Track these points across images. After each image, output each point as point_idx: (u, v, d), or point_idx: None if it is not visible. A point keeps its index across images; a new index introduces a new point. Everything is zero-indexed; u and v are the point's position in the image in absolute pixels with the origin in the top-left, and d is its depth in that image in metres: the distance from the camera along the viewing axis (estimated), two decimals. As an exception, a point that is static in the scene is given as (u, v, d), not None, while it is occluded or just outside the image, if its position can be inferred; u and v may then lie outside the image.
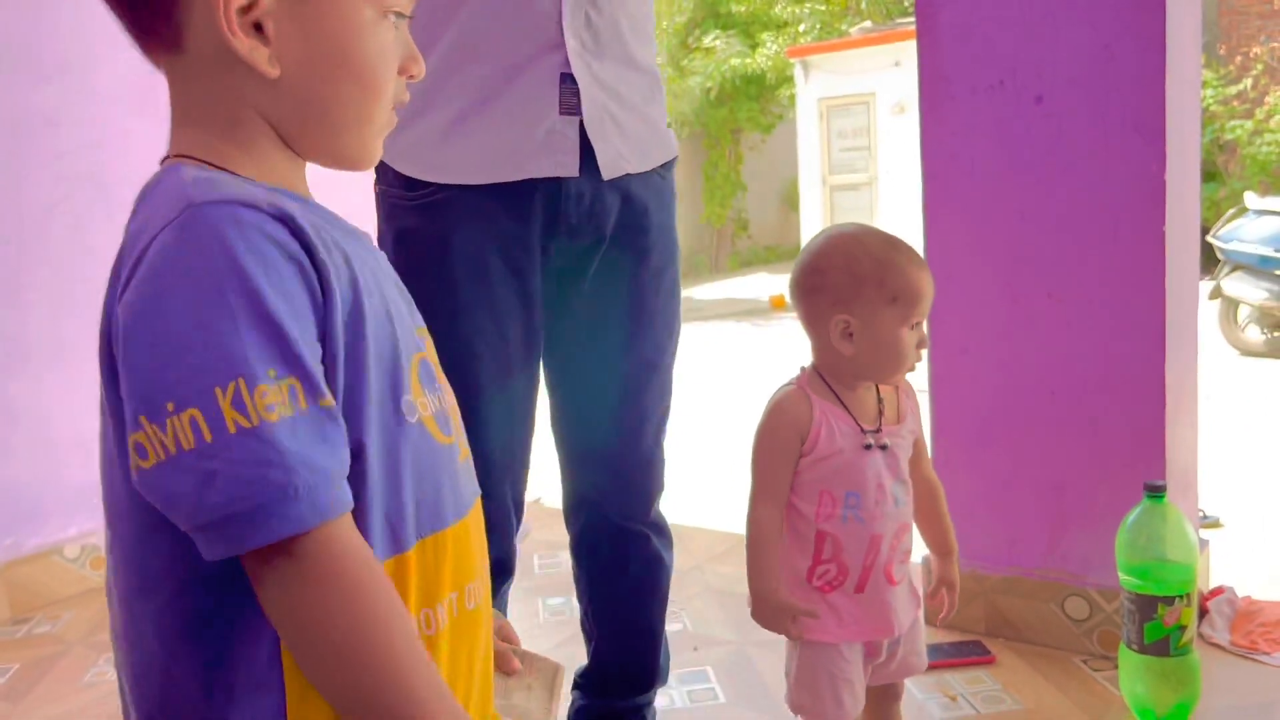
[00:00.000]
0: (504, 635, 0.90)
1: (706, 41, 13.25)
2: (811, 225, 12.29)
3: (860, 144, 11.72)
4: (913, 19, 11.04)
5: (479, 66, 1.27)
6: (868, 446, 1.28)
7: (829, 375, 1.31)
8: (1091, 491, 1.94)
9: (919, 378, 1.36)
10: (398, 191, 1.33)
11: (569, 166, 1.30)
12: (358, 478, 0.65)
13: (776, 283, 12.19)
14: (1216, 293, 5.71)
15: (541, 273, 1.36)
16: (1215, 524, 2.71)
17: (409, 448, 0.69)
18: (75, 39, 2.59)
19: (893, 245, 1.29)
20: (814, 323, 1.30)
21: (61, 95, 2.58)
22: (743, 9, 13.33)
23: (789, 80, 12.72)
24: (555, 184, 1.31)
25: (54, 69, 2.57)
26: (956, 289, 2.02)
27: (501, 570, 1.40)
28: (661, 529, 1.57)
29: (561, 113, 1.28)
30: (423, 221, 1.31)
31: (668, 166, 1.45)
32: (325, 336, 0.64)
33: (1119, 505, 1.75)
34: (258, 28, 0.66)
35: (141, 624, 0.66)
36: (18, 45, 2.53)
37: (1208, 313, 5.13)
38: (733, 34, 13.25)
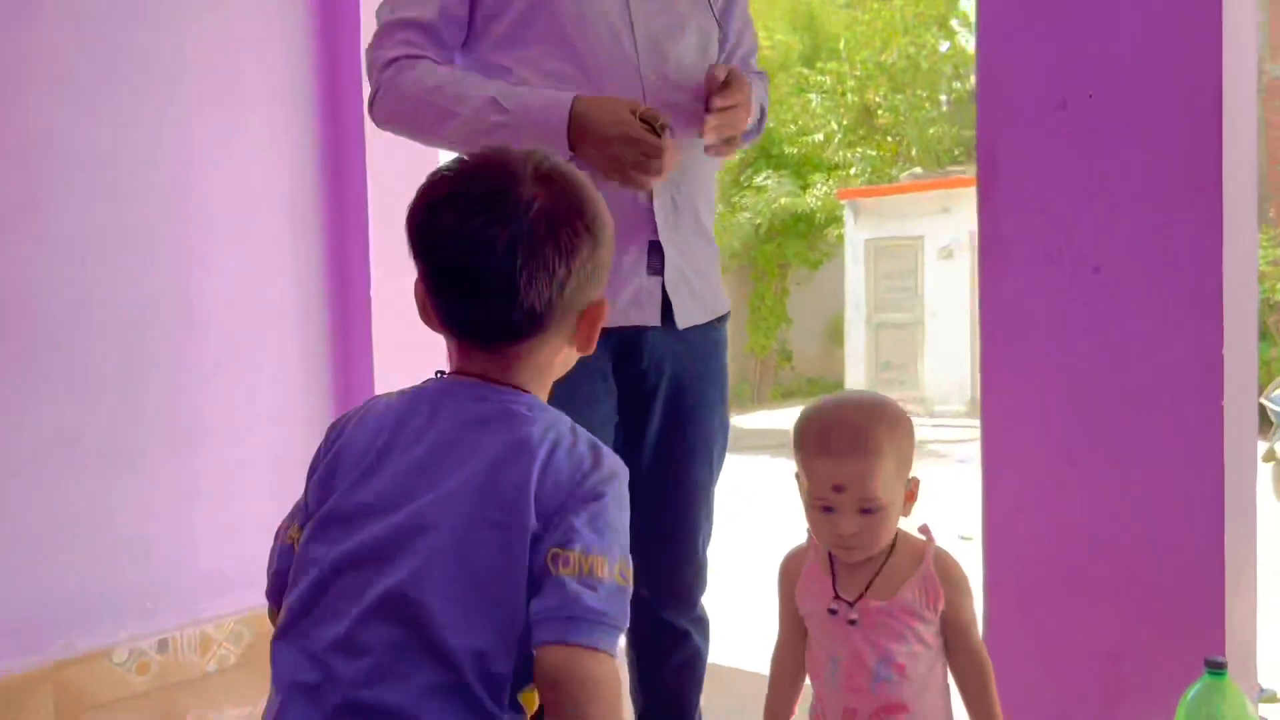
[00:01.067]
0: None
1: (758, 180, 13.64)
2: (856, 360, 12.36)
3: (907, 285, 11.87)
4: (962, 167, 11.28)
5: None
6: (831, 611, 1.29)
7: None
8: (1148, 662, 1.91)
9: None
10: None
11: (653, 318, 1.56)
12: None
13: (818, 417, 12.21)
14: (1270, 455, 5.64)
15: (617, 401, 1.60)
16: (1273, 698, 2.63)
17: None
18: (180, 160, 2.76)
19: (830, 420, 1.29)
20: None
21: (159, 213, 2.74)
22: (795, 151, 13.76)
23: (838, 220, 13.01)
24: (638, 330, 1.56)
25: (156, 188, 2.74)
26: (1012, 447, 2.05)
27: None
28: (702, 623, 1.80)
29: (648, 274, 1.55)
30: None
31: (723, 319, 1.73)
32: None
33: (1177, 678, 1.73)
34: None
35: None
36: (125, 164, 2.71)
37: (1261, 475, 5.06)
38: (784, 174, 13.64)
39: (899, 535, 1.34)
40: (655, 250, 1.55)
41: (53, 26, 2.67)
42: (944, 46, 14.73)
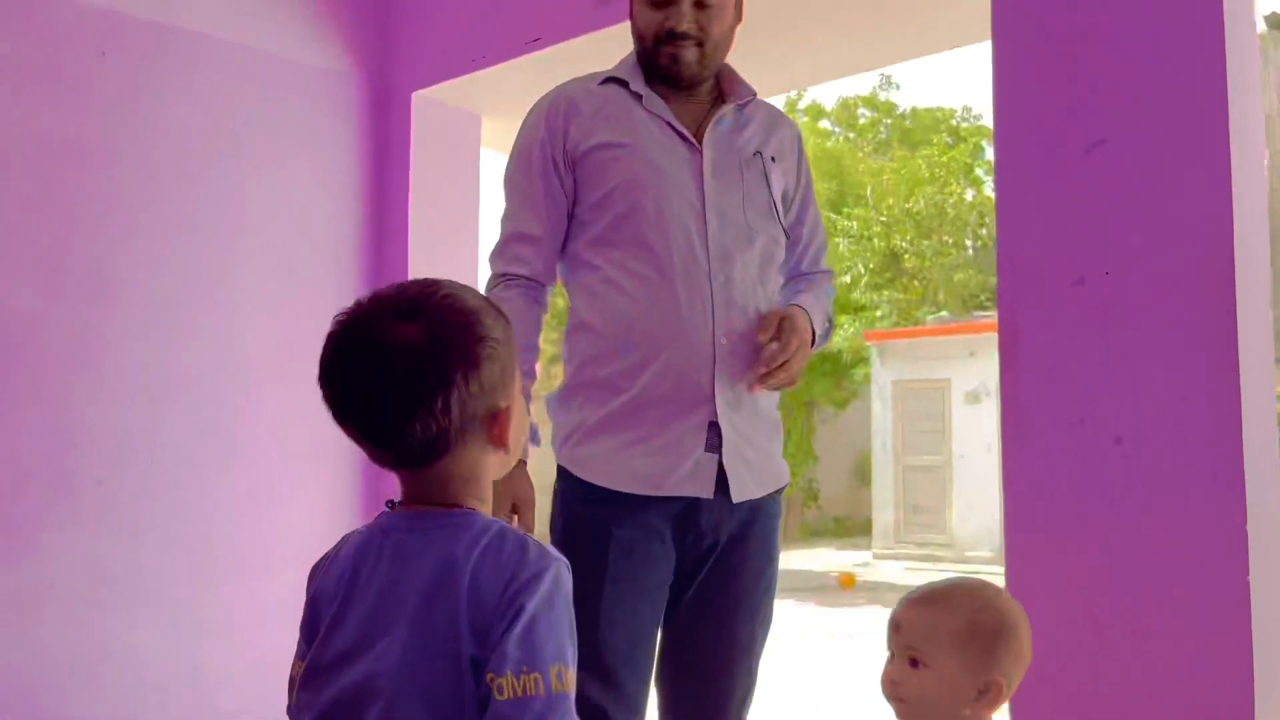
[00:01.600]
0: None
1: (786, 319, 13.82)
2: (884, 503, 12.23)
3: (934, 427, 11.85)
4: (989, 313, 11.39)
5: (651, 411, 1.68)
6: None
7: None
8: (1183, 845, 1.85)
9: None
10: (573, 489, 1.72)
11: (707, 491, 1.68)
12: None
13: (845, 558, 12.01)
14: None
15: (674, 560, 1.71)
16: None
17: None
18: (230, 306, 2.89)
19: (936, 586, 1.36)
20: None
21: (207, 355, 2.86)
22: (822, 291, 13.98)
23: (864, 361, 13.10)
24: (694, 500, 1.69)
25: (204, 332, 2.86)
26: (1037, 616, 2.02)
27: None
28: None
29: (706, 450, 1.68)
30: (592, 511, 1.69)
31: (779, 491, 1.81)
32: None
33: None
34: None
35: None
36: (178, 309, 2.84)
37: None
38: (812, 314, 13.82)
39: None
40: (714, 429, 1.68)
41: (126, 181, 2.85)
42: (970, 195, 15.10)
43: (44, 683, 2.60)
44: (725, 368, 1.68)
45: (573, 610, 1.03)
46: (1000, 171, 2.20)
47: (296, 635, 1.13)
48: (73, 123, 2.77)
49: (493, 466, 1.11)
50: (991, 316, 12.11)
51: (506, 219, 1.81)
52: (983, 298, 13.91)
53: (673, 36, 1.70)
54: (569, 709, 0.97)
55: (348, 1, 3.39)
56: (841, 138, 17.58)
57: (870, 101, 18.24)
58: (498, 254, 1.81)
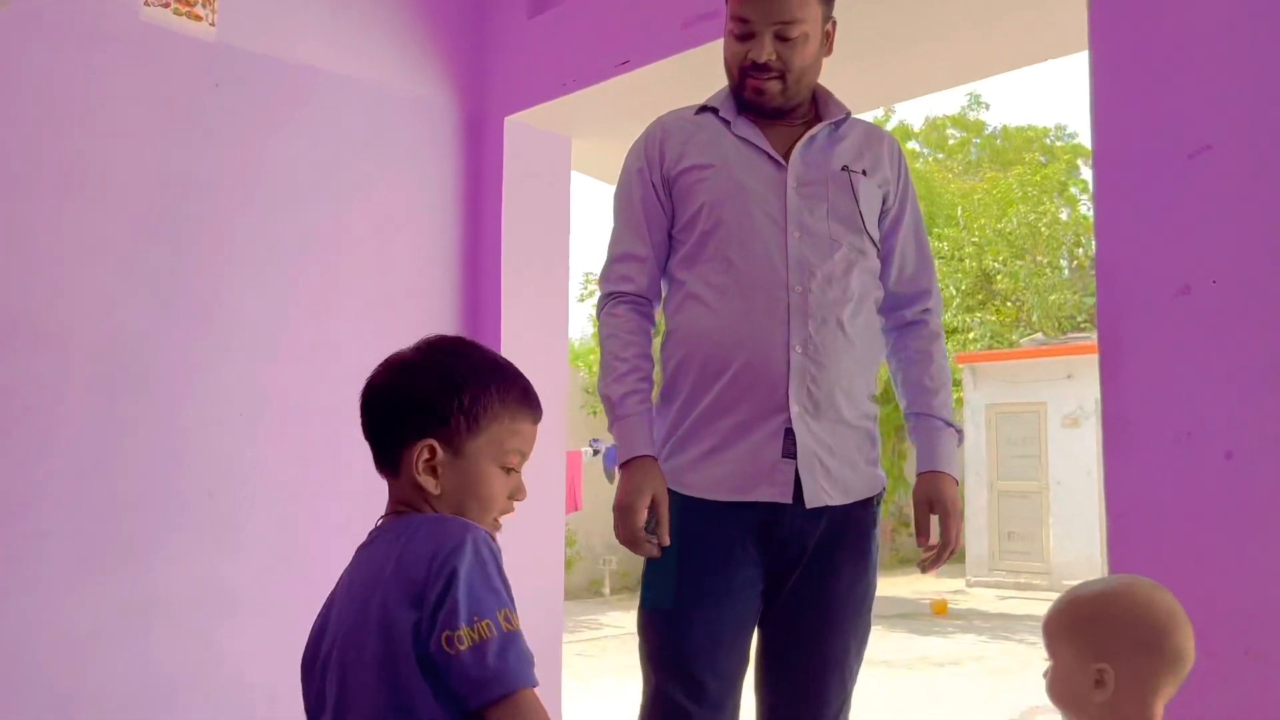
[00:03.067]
0: None
1: (875, 342, 13.64)
2: (978, 529, 11.94)
3: (1030, 452, 11.54)
4: (1086, 334, 11.03)
5: (727, 419, 1.74)
6: None
7: None
8: None
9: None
10: (669, 498, 1.78)
11: (784, 496, 1.72)
12: None
13: (937, 585, 11.74)
14: None
15: (761, 566, 1.75)
16: None
17: None
18: (328, 324, 2.99)
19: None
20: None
21: (303, 376, 2.96)
22: (912, 313, 13.76)
23: (956, 384, 12.84)
24: (774, 506, 1.73)
25: (303, 353, 2.96)
26: (1145, 636, 1.97)
27: None
28: None
29: (782, 457, 1.72)
30: (677, 518, 1.74)
31: (869, 500, 1.83)
32: None
33: None
34: (433, 471, 1.22)
35: None
36: (281, 331, 2.94)
37: None
38: (901, 336, 13.61)
39: None
40: (790, 435, 1.72)
41: (234, 209, 2.98)
42: (1064, 214, 14.73)
43: (155, 691, 2.70)
44: (800, 376, 1.72)
45: (498, 561, 1.14)
46: (1099, 180, 2.16)
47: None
48: (186, 153, 2.91)
49: (430, 500, 1.24)
50: (1089, 338, 11.76)
51: (613, 243, 1.90)
52: (1079, 319, 13.53)
53: (756, 68, 1.77)
54: (522, 643, 1.11)
55: (443, 31, 3.50)
56: (930, 158, 17.36)
57: (959, 121, 17.99)
58: (605, 275, 1.90)
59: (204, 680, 2.72)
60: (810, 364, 1.73)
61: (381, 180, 3.29)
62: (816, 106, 1.89)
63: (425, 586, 1.11)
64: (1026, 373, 11.56)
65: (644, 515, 1.70)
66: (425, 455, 1.21)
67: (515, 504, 1.30)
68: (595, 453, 7.61)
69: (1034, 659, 5.80)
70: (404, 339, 1.39)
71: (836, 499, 1.76)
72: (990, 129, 17.95)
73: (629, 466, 1.73)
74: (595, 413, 11.70)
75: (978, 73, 3.31)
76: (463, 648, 1.08)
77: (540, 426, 1.34)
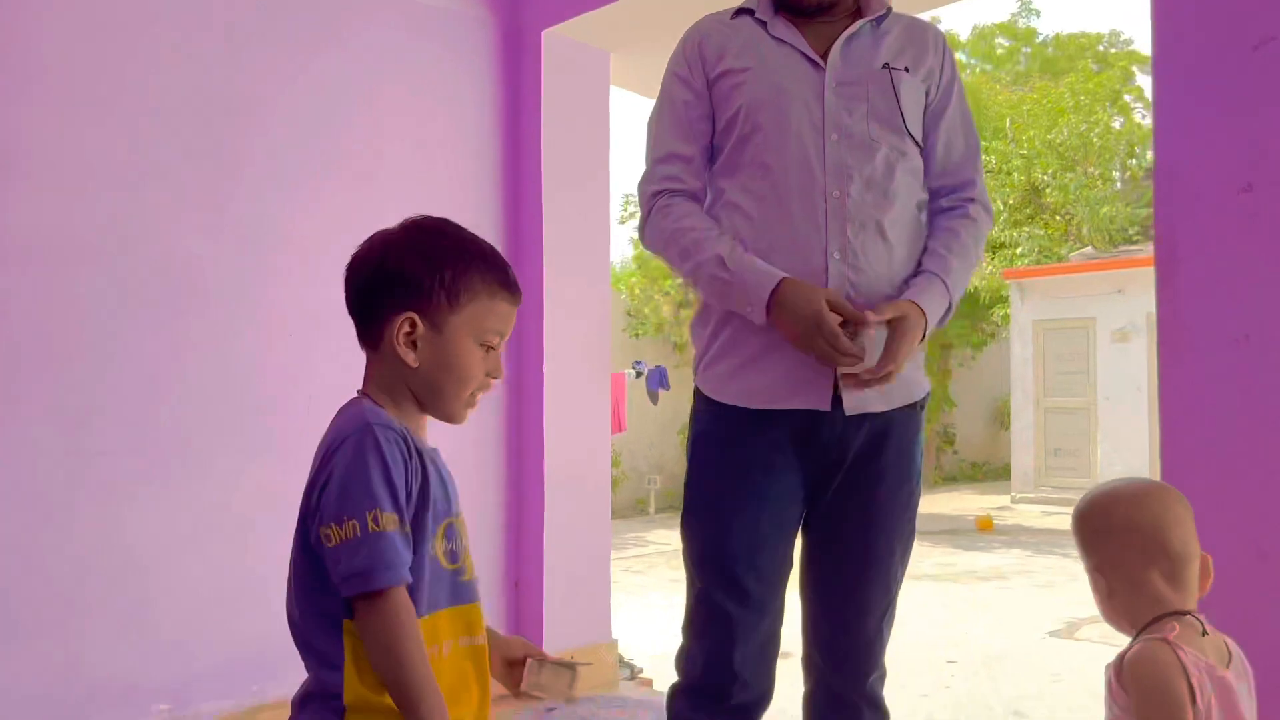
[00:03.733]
0: (530, 650, 1.38)
1: (920, 259, 13.43)
2: (1024, 446, 11.88)
3: (1078, 368, 11.39)
4: (1138, 247, 10.74)
5: (765, 331, 1.69)
6: None
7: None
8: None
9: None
10: (703, 406, 1.79)
11: (822, 404, 1.69)
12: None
13: (982, 502, 11.75)
14: None
15: (802, 472, 1.73)
16: None
17: (427, 565, 1.22)
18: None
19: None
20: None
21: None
22: (958, 229, 13.51)
23: (1003, 300, 12.66)
24: (812, 413, 1.69)
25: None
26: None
27: (761, 702, 1.76)
28: (876, 703, 1.81)
29: (821, 364, 1.65)
30: (718, 427, 1.76)
31: (913, 405, 1.78)
32: (409, 494, 1.19)
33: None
34: (413, 344, 1.25)
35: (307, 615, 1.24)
36: (326, 249, 2.96)
37: None
38: (947, 253, 13.38)
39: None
40: None
41: (276, 129, 2.98)
42: (1117, 123, 14.29)
43: (221, 599, 2.81)
44: (839, 282, 1.67)
45: (383, 459, 1.16)
46: (1159, 78, 2.09)
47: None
48: (229, 74, 2.91)
49: (407, 376, 1.26)
50: (1141, 251, 11.49)
51: (655, 145, 1.83)
52: (1131, 232, 13.21)
53: None
54: (388, 544, 1.14)
55: (478, -56, 3.43)
56: (977, 69, 16.86)
57: (1008, 29, 17.42)
58: (647, 178, 1.83)
59: (269, 589, 2.81)
60: (849, 269, 1.67)
61: (420, 97, 3.28)
62: (858, 1, 1.82)
63: (314, 480, 1.19)
64: (1075, 288, 11.36)
65: (832, 318, 1.57)
66: (405, 328, 1.24)
67: (492, 382, 1.31)
68: (639, 374, 7.64)
69: (1079, 572, 5.83)
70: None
71: (877, 405, 1.72)
72: (1041, 37, 17.37)
73: (779, 292, 1.62)
74: (637, 335, 11.72)
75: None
76: (329, 545, 1.14)
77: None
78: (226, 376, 2.86)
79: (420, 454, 1.22)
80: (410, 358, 1.24)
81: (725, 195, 1.76)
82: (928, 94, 1.80)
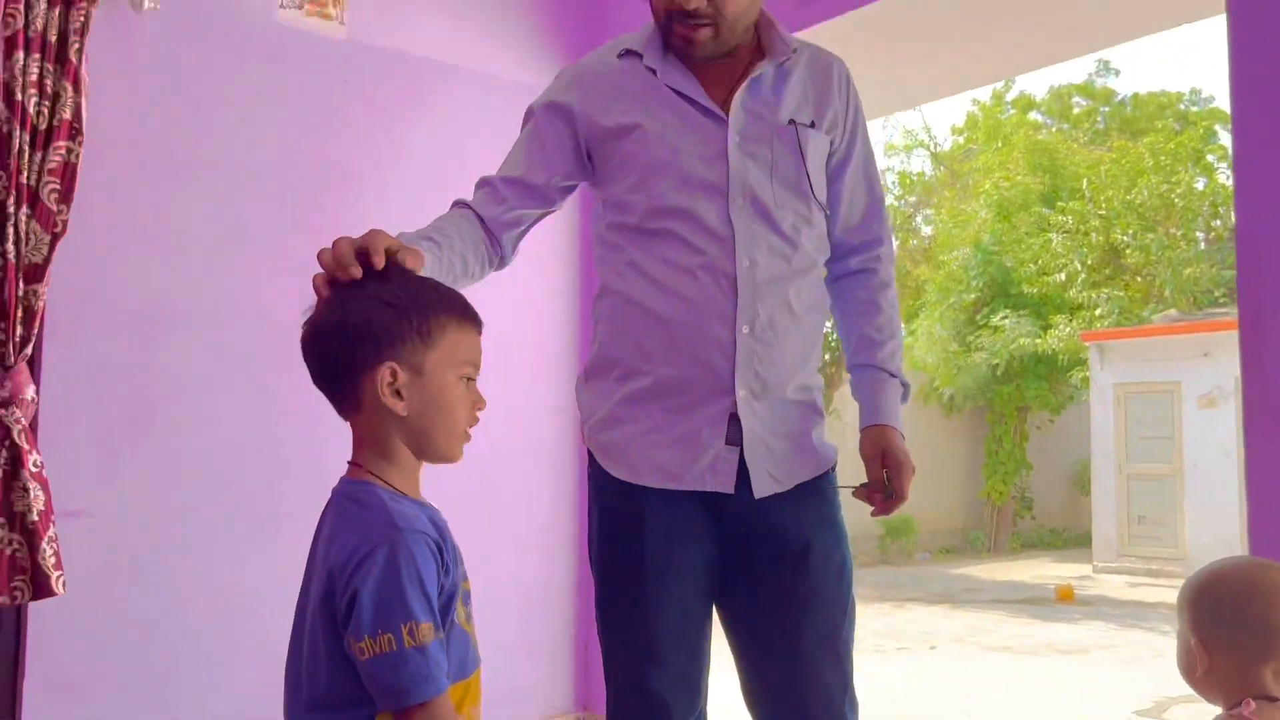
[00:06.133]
0: None
1: (995, 320, 13.25)
2: (1106, 514, 11.53)
3: (1163, 434, 11.05)
4: (1224, 309, 10.44)
5: (668, 400, 1.60)
6: None
7: None
8: None
9: None
10: (602, 477, 1.67)
11: (728, 486, 1.59)
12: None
13: (1062, 570, 11.39)
14: None
15: (719, 553, 1.62)
16: None
17: (455, 635, 1.19)
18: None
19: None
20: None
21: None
22: (1034, 290, 13.31)
23: (1082, 363, 12.38)
24: (719, 494, 1.59)
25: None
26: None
27: None
28: None
29: (726, 443, 1.58)
30: (620, 504, 1.64)
31: (826, 473, 1.66)
32: (441, 590, 1.16)
33: None
34: (398, 394, 1.20)
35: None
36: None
37: None
38: (1023, 314, 13.18)
39: None
40: (735, 421, 1.57)
41: (367, 197, 3.11)
42: (1200, 183, 14.00)
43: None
44: (748, 356, 1.56)
45: (418, 571, 1.13)
46: (1239, 145, 2.08)
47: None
48: (320, 145, 3.06)
49: (398, 427, 1.22)
50: (1227, 313, 11.17)
51: (503, 165, 1.71)
52: (1217, 294, 12.85)
53: (684, 15, 1.55)
54: (427, 657, 1.12)
55: (554, 23, 3.57)
56: (1054, 129, 16.72)
57: (1085, 89, 17.26)
58: (476, 188, 1.71)
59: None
60: (758, 344, 1.57)
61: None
62: (758, 38, 1.65)
63: (338, 593, 1.14)
64: (1159, 351, 11.07)
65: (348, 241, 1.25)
66: (388, 378, 1.19)
67: (479, 415, 1.28)
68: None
69: (1167, 648, 5.61)
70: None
71: (784, 484, 1.61)
72: (1119, 96, 17.18)
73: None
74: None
75: (1107, 40, 3.20)
76: (364, 659, 1.11)
77: None
78: (311, 437, 2.95)
79: (441, 539, 1.19)
80: (399, 407, 1.20)
81: (627, 254, 1.62)
82: (832, 144, 1.68)
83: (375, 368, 1.20)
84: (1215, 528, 10.24)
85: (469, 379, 1.26)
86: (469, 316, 1.27)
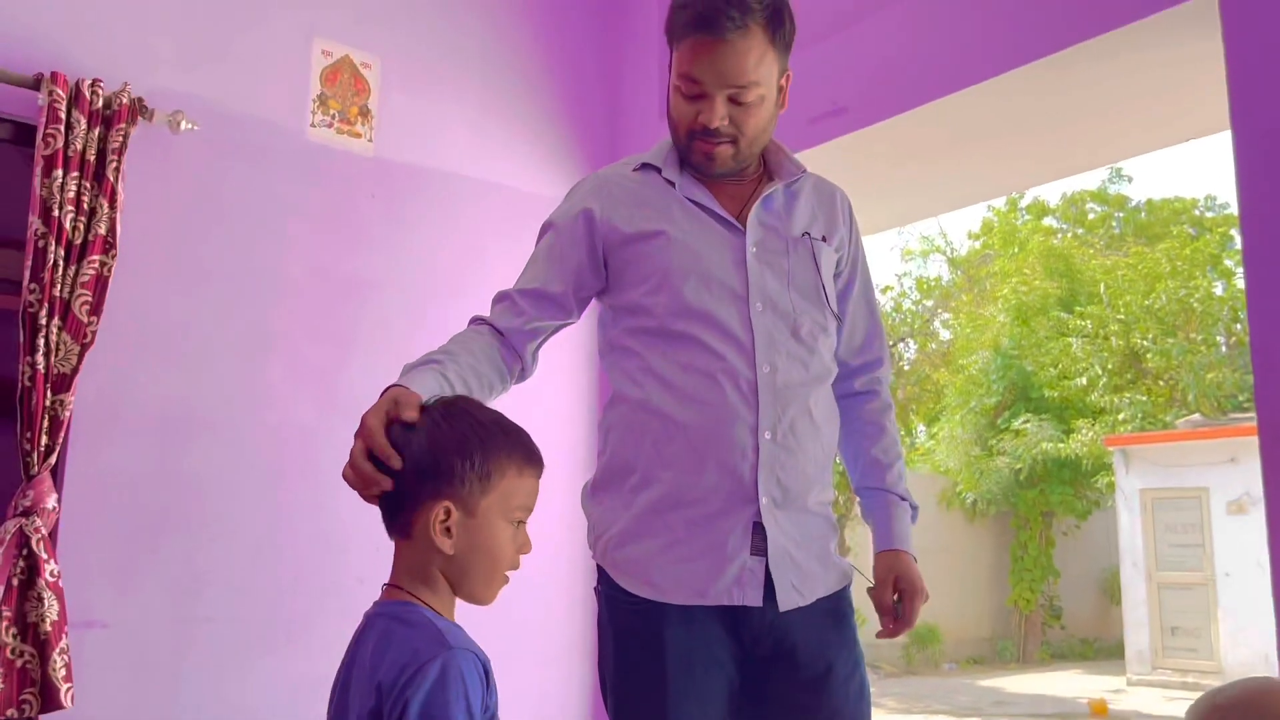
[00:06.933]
0: None
1: (1017, 424, 13.17)
2: (1137, 624, 11.22)
3: (1192, 540, 10.84)
4: (1248, 414, 10.33)
5: (690, 510, 1.56)
6: None
7: None
8: None
9: None
10: (617, 595, 1.61)
11: (755, 600, 1.55)
12: None
13: (1095, 683, 11.03)
14: None
15: (739, 676, 1.57)
16: None
17: None
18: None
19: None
20: None
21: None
22: (1055, 395, 13.25)
23: (1106, 468, 12.24)
24: (744, 608, 1.55)
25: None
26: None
27: None
28: None
29: (751, 554, 1.55)
30: (640, 623, 1.58)
31: (838, 593, 1.65)
32: (485, 709, 1.16)
33: None
34: (448, 531, 1.23)
35: None
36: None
37: None
38: (1045, 418, 13.09)
39: None
40: (759, 530, 1.55)
41: (392, 307, 3.15)
42: (1219, 288, 14.02)
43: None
44: (770, 463, 1.54)
45: (465, 689, 1.13)
46: (1249, 257, 2.09)
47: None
48: (346, 256, 3.13)
49: (440, 561, 1.25)
50: (1252, 419, 11.04)
51: (520, 278, 1.72)
52: (1241, 398, 12.75)
53: (706, 133, 1.59)
54: None
55: (577, 135, 3.68)
56: (1069, 234, 16.88)
57: (1099, 196, 17.47)
58: (494, 303, 1.72)
59: None
60: (780, 451, 1.55)
61: (523, 277, 3.45)
62: (766, 162, 1.71)
63: (386, 710, 1.14)
64: (1185, 456, 10.93)
65: (380, 421, 1.26)
66: (441, 517, 1.22)
67: (521, 559, 1.29)
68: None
69: (1207, 767, 5.35)
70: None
71: (806, 598, 1.58)
72: (1133, 202, 17.37)
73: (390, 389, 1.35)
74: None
75: (1118, 154, 3.27)
76: None
77: None
78: (328, 545, 2.95)
79: (487, 660, 1.21)
80: (447, 545, 1.22)
81: (643, 359, 1.61)
82: (839, 263, 1.72)
83: (433, 504, 1.22)
84: (1250, 639, 9.94)
85: (520, 522, 1.28)
86: (531, 461, 1.29)
